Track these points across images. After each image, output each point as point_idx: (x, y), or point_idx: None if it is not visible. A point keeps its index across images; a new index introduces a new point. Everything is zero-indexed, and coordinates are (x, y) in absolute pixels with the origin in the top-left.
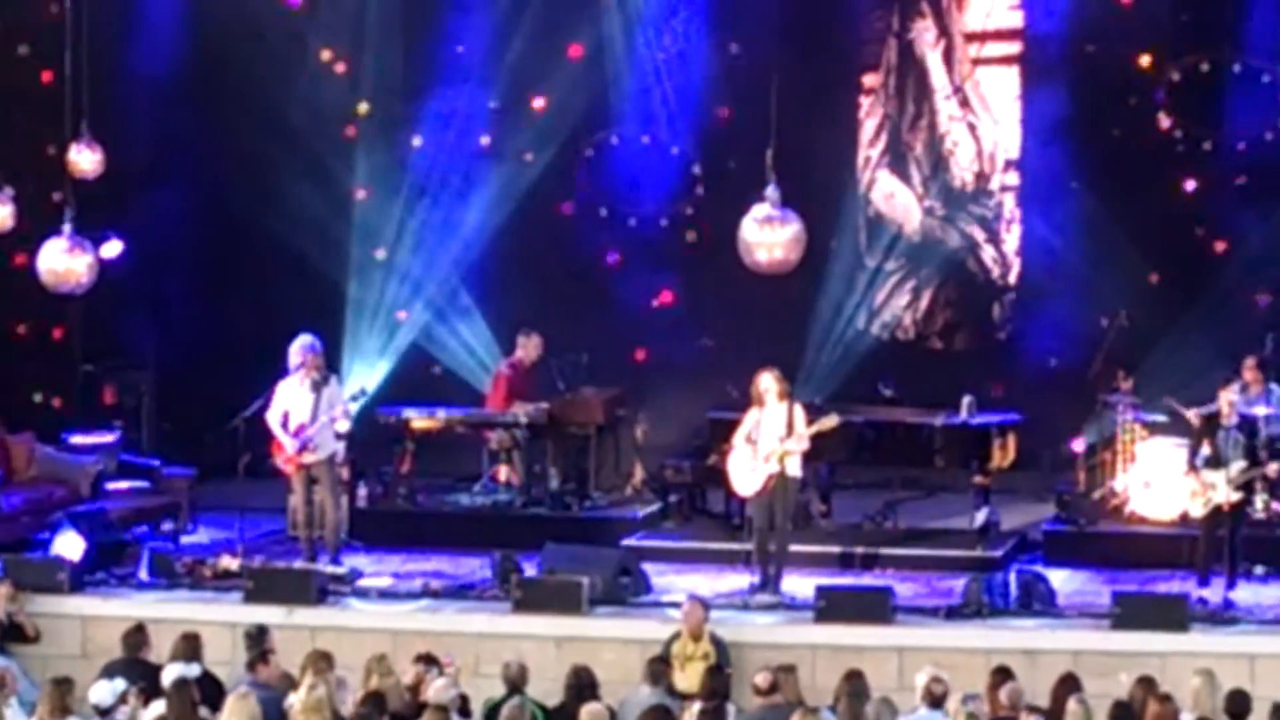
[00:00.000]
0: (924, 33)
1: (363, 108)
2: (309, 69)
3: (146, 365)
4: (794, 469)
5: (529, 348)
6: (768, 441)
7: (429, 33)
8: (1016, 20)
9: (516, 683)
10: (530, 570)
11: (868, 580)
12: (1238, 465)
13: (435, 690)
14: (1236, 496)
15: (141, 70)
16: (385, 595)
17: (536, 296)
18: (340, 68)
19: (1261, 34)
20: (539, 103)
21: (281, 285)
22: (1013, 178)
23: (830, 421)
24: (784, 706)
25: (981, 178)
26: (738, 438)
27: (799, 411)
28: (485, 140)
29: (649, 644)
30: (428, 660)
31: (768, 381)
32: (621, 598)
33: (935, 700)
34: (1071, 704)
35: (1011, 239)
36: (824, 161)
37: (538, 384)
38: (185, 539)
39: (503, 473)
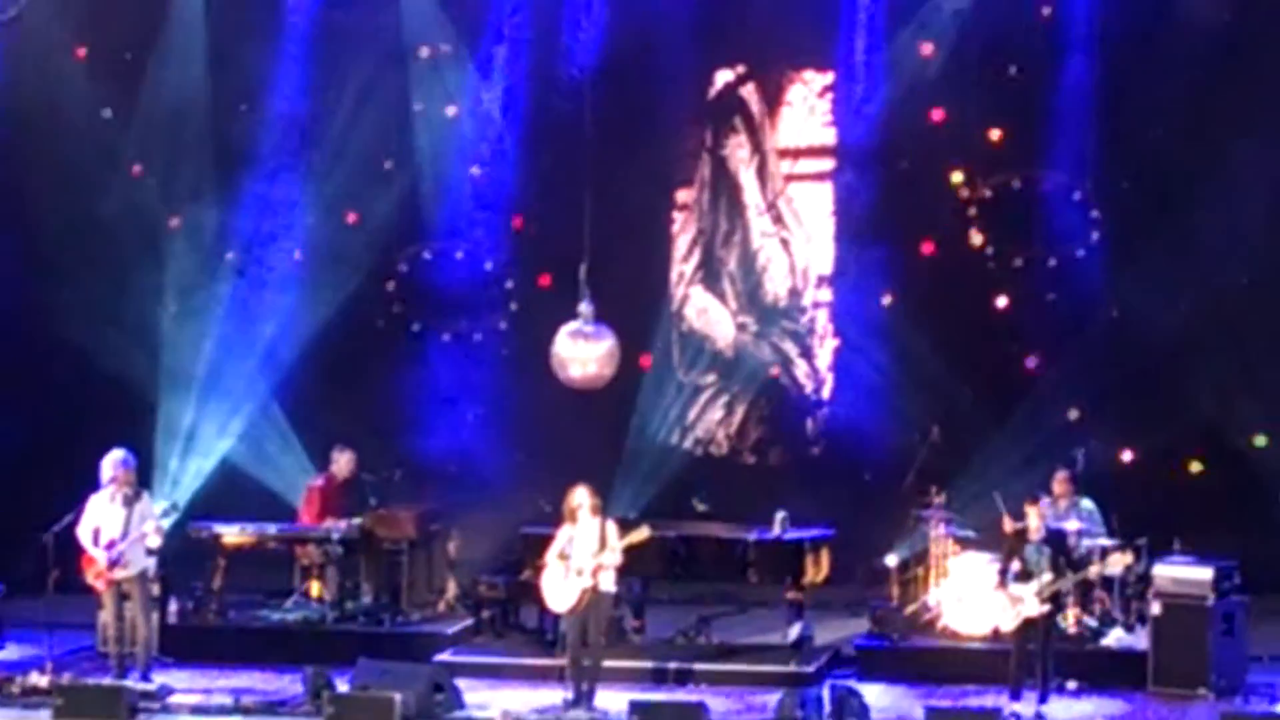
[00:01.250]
0: (737, 149)
1: (174, 221)
2: (121, 181)
3: None
4: (607, 584)
5: (342, 463)
6: (581, 557)
7: (242, 146)
8: (829, 137)
9: None
10: (342, 686)
11: (681, 696)
12: (1047, 579)
13: None
14: (1046, 610)
15: None
16: (196, 711)
17: (350, 412)
18: (152, 181)
19: (1071, 152)
20: (353, 217)
21: (93, 397)
22: (825, 293)
23: (642, 534)
24: None
25: (794, 293)
26: (551, 554)
27: (612, 526)
28: (298, 254)
29: None
30: None
31: (580, 496)
32: (435, 714)
33: None
34: None
35: (824, 354)
36: (637, 277)
37: (350, 499)
38: None
39: (315, 588)
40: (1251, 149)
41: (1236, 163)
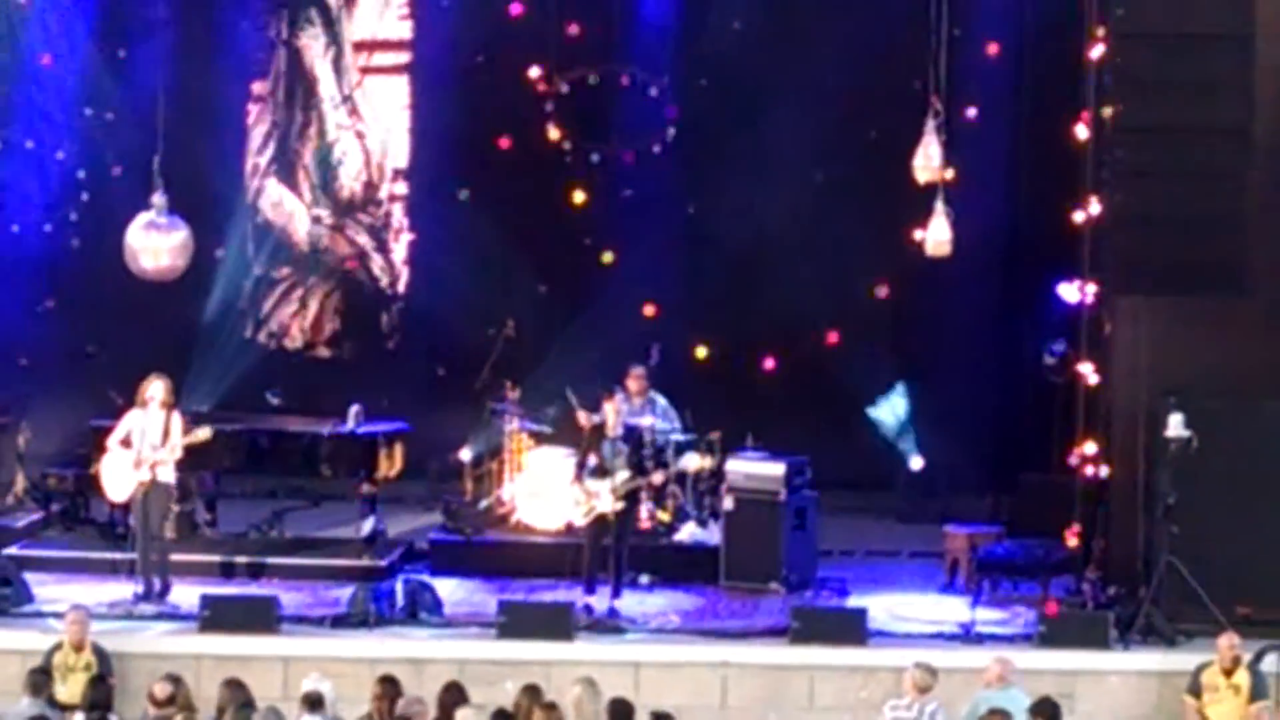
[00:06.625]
0: (313, 41)
1: None
2: None
3: None
4: (165, 476)
5: None
6: (143, 448)
7: None
8: (405, 30)
9: None
10: None
11: (254, 589)
12: (622, 475)
13: None
14: (621, 506)
15: None
16: None
17: None
18: None
19: (648, 48)
20: None
21: None
22: (401, 187)
23: (204, 435)
24: (174, 717)
25: (370, 187)
26: (113, 439)
27: (177, 421)
28: None
29: (30, 654)
30: None
31: (155, 389)
32: (1, 608)
33: (313, 704)
34: (461, 714)
35: (400, 248)
36: (212, 168)
37: None
38: None
39: None
40: (828, 48)
41: (813, 63)
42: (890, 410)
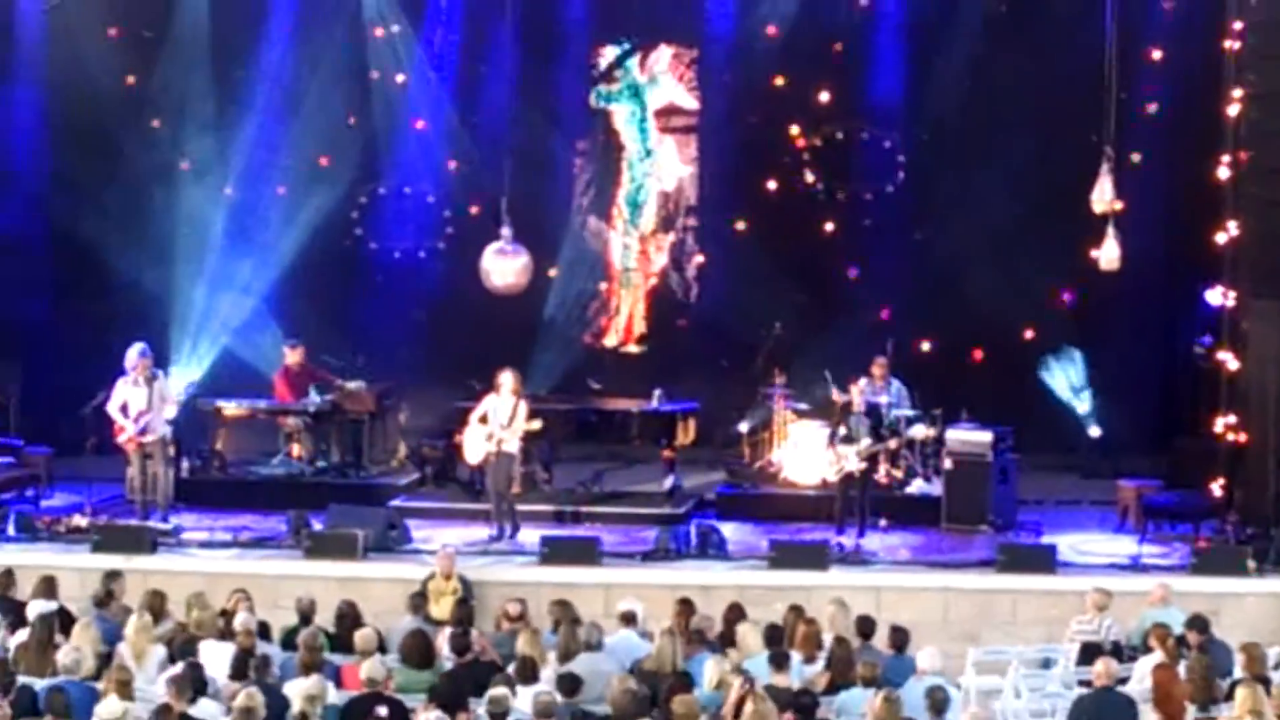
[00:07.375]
0: (623, 109)
1: (184, 164)
2: (143, 133)
3: (14, 365)
4: (510, 447)
5: (293, 355)
6: (494, 425)
7: (238, 107)
8: (694, 101)
9: (307, 614)
10: (317, 525)
11: (581, 532)
12: (865, 442)
13: (239, 621)
14: (864, 466)
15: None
16: (203, 546)
17: (323, 312)
18: (167, 131)
19: (883, 108)
20: (324, 160)
21: (116, 301)
22: (692, 220)
23: (536, 425)
24: (516, 630)
25: (668, 220)
26: (474, 415)
27: (523, 408)
28: (281, 190)
29: (410, 582)
30: (242, 595)
31: (506, 377)
32: (389, 546)
33: (628, 620)
34: (741, 627)
35: (691, 268)
36: (547, 207)
37: (309, 379)
38: (45, 503)
39: (295, 450)
40: (1021, 110)
41: (1010, 120)
42: (1065, 377)
